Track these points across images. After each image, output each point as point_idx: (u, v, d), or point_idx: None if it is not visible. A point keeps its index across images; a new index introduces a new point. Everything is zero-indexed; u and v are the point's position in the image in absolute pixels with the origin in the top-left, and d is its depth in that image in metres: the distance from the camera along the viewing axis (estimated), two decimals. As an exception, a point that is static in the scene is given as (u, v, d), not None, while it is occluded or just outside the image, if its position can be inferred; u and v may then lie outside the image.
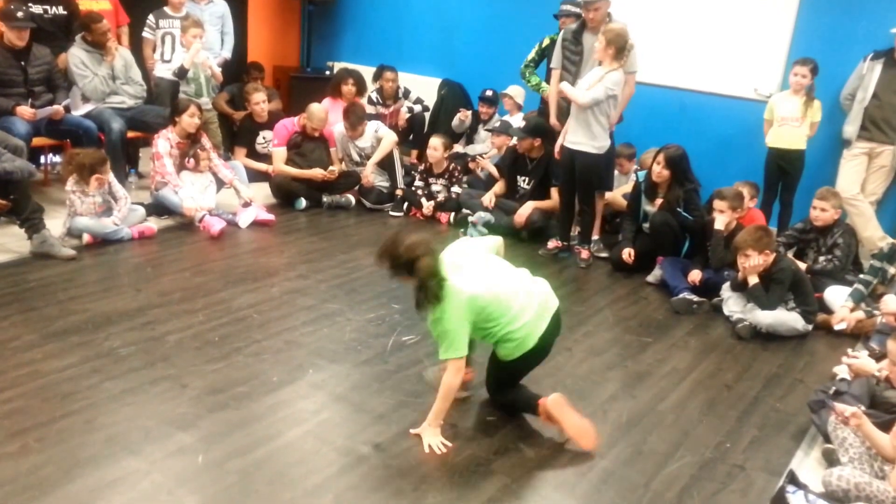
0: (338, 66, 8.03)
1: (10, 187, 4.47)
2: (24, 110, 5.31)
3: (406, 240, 3.00)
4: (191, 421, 3.07)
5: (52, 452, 2.79)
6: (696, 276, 4.80)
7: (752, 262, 4.36)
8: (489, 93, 6.92)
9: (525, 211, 5.70)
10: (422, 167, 6.35)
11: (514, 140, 5.90)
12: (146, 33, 6.44)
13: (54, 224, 4.82)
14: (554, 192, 5.73)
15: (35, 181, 5.16)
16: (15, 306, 3.95)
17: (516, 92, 6.79)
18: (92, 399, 3.11)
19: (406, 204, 6.22)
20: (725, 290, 4.62)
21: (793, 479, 2.84)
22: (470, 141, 7.08)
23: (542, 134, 5.65)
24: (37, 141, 5.52)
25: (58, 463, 2.74)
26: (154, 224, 5.27)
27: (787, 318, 4.37)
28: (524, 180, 5.88)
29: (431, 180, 6.23)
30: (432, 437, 3.07)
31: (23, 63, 5.45)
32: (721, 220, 4.80)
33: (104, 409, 3.07)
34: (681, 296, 4.68)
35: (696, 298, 4.69)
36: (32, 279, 4.31)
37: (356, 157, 6.45)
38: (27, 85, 5.48)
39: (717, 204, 4.83)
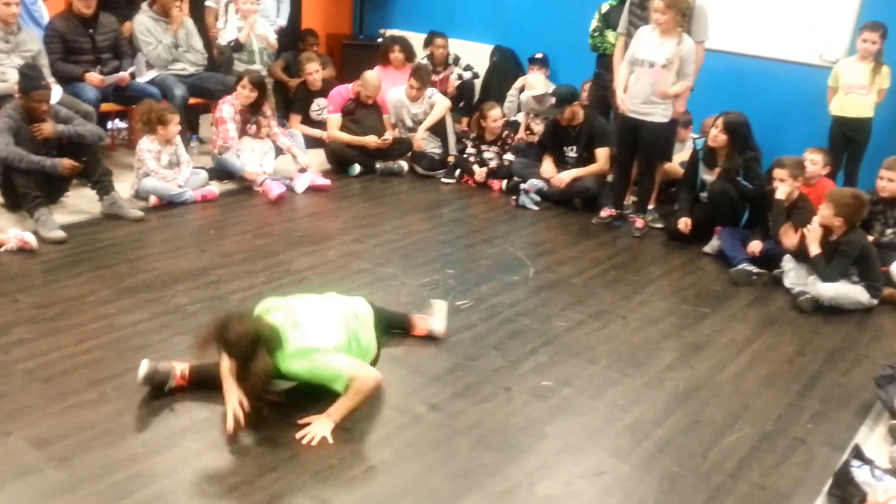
0: (390, 33, 8.03)
1: (82, 150, 4.63)
2: (93, 77, 5.47)
3: (236, 328, 2.69)
4: (256, 376, 3.18)
5: (127, 401, 2.94)
6: (755, 247, 4.72)
7: (823, 214, 4.25)
8: (539, 55, 6.81)
9: (565, 176, 5.65)
10: (474, 134, 6.35)
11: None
12: (209, 2, 6.54)
13: (122, 187, 4.98)
14: (599, 154, 5.66)
15: (103, 145, 5.33)
16: (89, 264, 4.12)
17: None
18: (162, 352, 3.24)
19: (458, 171, 6.24)
20: (787, 262, 4.54)
21: (858, 454, 2.79)
22: (519, 109, 7.00)
23: (576, 98, 5.64)
24: (104, 107, 5.66)
25: (133, 411, 2.88)
26: (216, 188, 5.40)
27: (850, 290, 4.28)
28: (571, 149, 5.83)
29: (484, 147, 6.23)
30: (323, 429, 2.81)
31: (91, 31, 5.60)
32: (783, 190, 4.70)
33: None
34: (740, 267, 4.62)
35: (755, 270, 4.62)
36: (104, 239, 4.48)
37: (409, 123, 6.48)
38: (95, 52, 5.63)
39: (777, 173, 4.71)
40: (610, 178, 5.80)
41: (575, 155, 5.79)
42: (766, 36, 6.14)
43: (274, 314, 2.88)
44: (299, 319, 2.87)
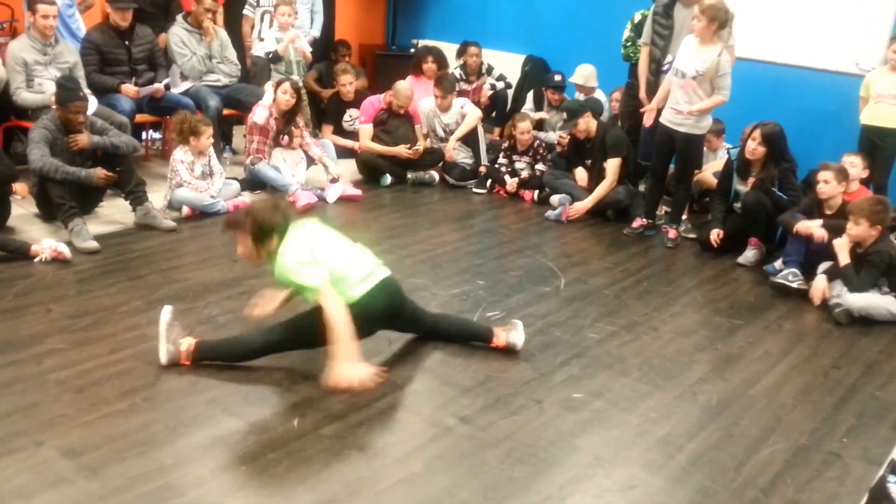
0: (422, 43, 8.07)
1: (116, 161, 4.70)
2: (129, 88, 5.56)
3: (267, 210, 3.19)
4: (286, 386, 3.20)
5: (158, 411, 2.96)
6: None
7: (856, 232, 4.17)
8: (558, 77, 6.70)
9: (580, 207, 5.58)
10: (506, 144, 6.33)
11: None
12: (247, 11, 6.65)
13: (156, 197, 5.05)
14: (609, 165, 5.58)
15: (136, 156, 5.41)
16: (122, 274, 4.17)
17: (585, 74, 6.57)
18: (193, 363, 3.26)
19: (489, 181, 6.22)
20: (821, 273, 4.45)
21: (895, 469, 2.74)
22: (540, 128, 6.88)
23: (584, 111, 5.61)
24: (139, 118, 5.76)
25: (164, 421, 2.90)
26: (248, 198, 5.45)
27: (881, 301, 4.18)
28: (589, 163, 5.79)
29: (515, 158, 6.21)
30: (361, 370, 2.95)
31: (127, 43, 5.70)
32: (826, 189, 4.56)
33: (205, 373, 3.22)
34: (781, 274, 4.52)
35: (795, 285, 4.50)
36: (137, 249, 4.53)
37: (441, 133, 6.49)
38: (131, 64, 5.73)
39: (823, 174, 4.58)
40: (642, 187, 5.75)
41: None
42: (802, 45, 6.07)
43: (303, 228, 3.24)
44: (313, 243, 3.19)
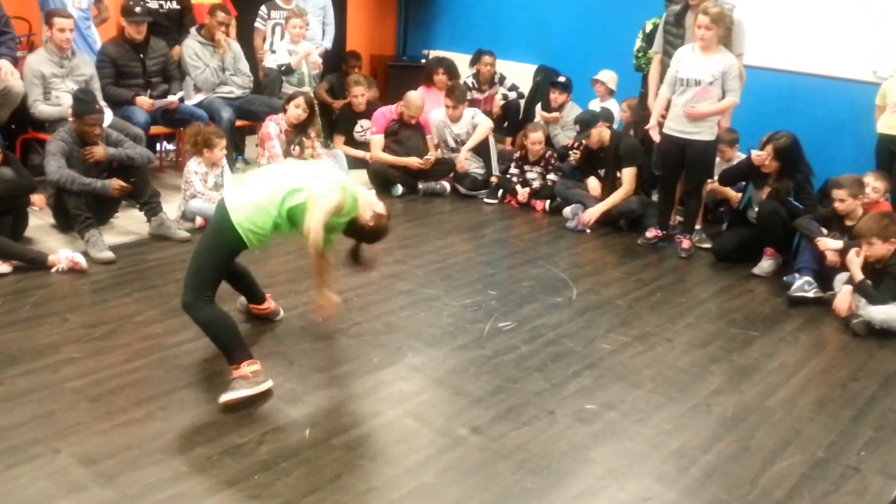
0: (433, 54, 8.10)
1: (131, 172, 4.75)
2: (143, 101, 5.61)
3: None
4: (298, 396, 3.21)
5: (173, 420, 2.97)
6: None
7: (872, 252, 4.15)
8: (562, 79, 6.77)
9: (594, 213, 5.57)
10: (517, 154, 6.34)
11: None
12: (258, 24, 6.70)
13: (170, 208, 5.09)
14: (625, 175, 5.57)
15: (151, 167, 5.45)
16: (137, 284, 4.20)
17: (608, 77, 6.65)
18: (208, 372, 3.29)
19: (501, 191, 6.23)
20: (838, 283, 4.42)
21: (913, 483, 2.70)
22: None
23: (596, 121, 5.62)
24: (153, 129, 5.81)
25: (179, 430, 2.91)
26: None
27: (902, 313, 4.14)
28: (602, 173, 5.79)
29: (527, 167, 6.21)
30: (327, 298, 3.41)
31: (141, 56, 5.76)
32: (843, 207, 4.53)
33: (219, 382, 3.22)
34: (796, 287, 4.50)
35: (812, 295, 4.47)
36: (151, 259, 4.57)
37: (452, 143, 6.50)
38: (145, 76, 5.79)
39: (836, 193, 4.55)
40: (655, 197, 5.74)
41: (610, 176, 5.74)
42: (818, 53, 6.04)
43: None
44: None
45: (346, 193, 3.20)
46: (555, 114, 6.76)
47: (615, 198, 5.58)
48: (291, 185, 3.16)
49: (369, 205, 3.34)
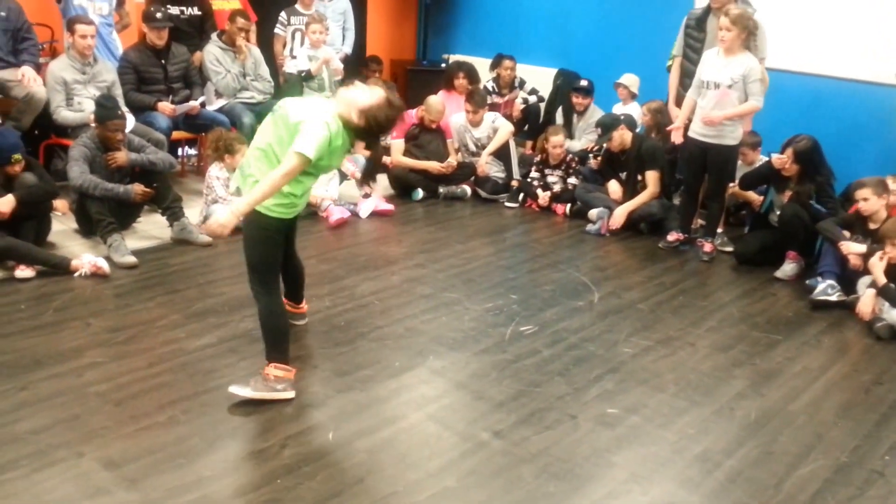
0: (453, 58, 8.11)
1: (153, 177, 4.80)
2: (165, 107, 5.67)
3: None
4: (321, 400, 3.21)
5: (196, 424, 2.99)
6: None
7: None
8: (584, 83, 6.74)
9: (619, 215, 5.54)
10: (538, 158, 6.32)
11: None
12: (278, 29, 6.74)
13: (192, 213, 5.13)
14: (649, 178, 5.55)
15: (173, 172, 5.50)
16: (159, 288, 4.24)
17: (631, 81, 6.62)
18: (230, 376, 3.30)
19: (521, 195, 6.22)
20: (862, 287, 4.36)
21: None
22: (569, 136, 6.89)
23: (618, 124, 5.60)
24: (175, 135, 5.86)
25: (202, 434, 2.93)
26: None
27: (926, 317, 4.08)
28: (624, 176, 5.76)
29: (547, 171, 6.20)
30: (226, 217, 2.94)
31: (163, 62, 5.82)
32: (867, 207, 4.48)
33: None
34: (819, 290, 4.44)
35: (835, 298, 4.42)
36: (174, 263, 4.61)
37: (472, 148, 6.50)
38: (167, 82, 5.84)
39: (860, 192, 4.49)
40: (676, 201, 5.70)
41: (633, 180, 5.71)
42: (841, 56, 5.97)
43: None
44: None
45: (321, 143, 3.00)
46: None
47: (641, 198, 5.55)
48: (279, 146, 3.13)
49: (350, 105, 3.05)
